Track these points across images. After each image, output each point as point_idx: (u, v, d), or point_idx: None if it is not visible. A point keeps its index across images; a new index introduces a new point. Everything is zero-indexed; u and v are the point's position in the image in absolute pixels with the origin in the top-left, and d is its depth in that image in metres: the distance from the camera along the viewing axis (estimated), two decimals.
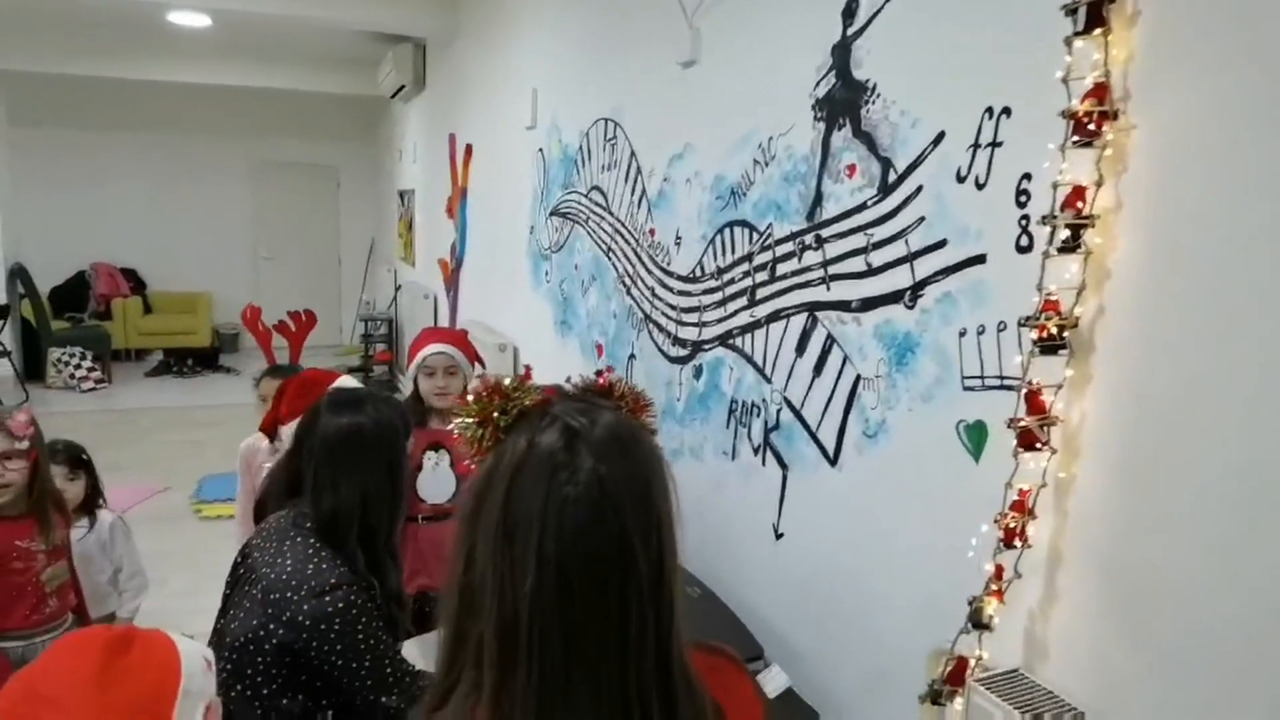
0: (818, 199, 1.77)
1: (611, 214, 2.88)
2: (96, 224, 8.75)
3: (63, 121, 8.50)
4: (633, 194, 2.70)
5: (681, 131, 2.36)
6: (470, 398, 0.81)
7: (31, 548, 2.02)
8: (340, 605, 1.52)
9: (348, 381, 2.17)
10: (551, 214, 3.51)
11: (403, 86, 6.58)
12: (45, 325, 7.53)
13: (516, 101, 3.92)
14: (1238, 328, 1.01)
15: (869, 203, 1.61)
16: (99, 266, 8.72)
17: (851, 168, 1.66)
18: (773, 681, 1.80)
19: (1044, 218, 1.16)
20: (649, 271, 2.59)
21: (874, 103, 1.59)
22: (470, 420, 0.78)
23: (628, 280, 2.75)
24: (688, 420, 2.36)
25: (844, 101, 1.68)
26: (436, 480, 2.46)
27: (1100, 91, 1.09)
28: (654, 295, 2.55)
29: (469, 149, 5.00)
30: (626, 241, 2.75)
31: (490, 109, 4.52)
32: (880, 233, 1.59)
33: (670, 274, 2.44)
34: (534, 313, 3.76)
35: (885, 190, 1.57)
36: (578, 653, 0.71)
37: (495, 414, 0.77)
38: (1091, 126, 1.09)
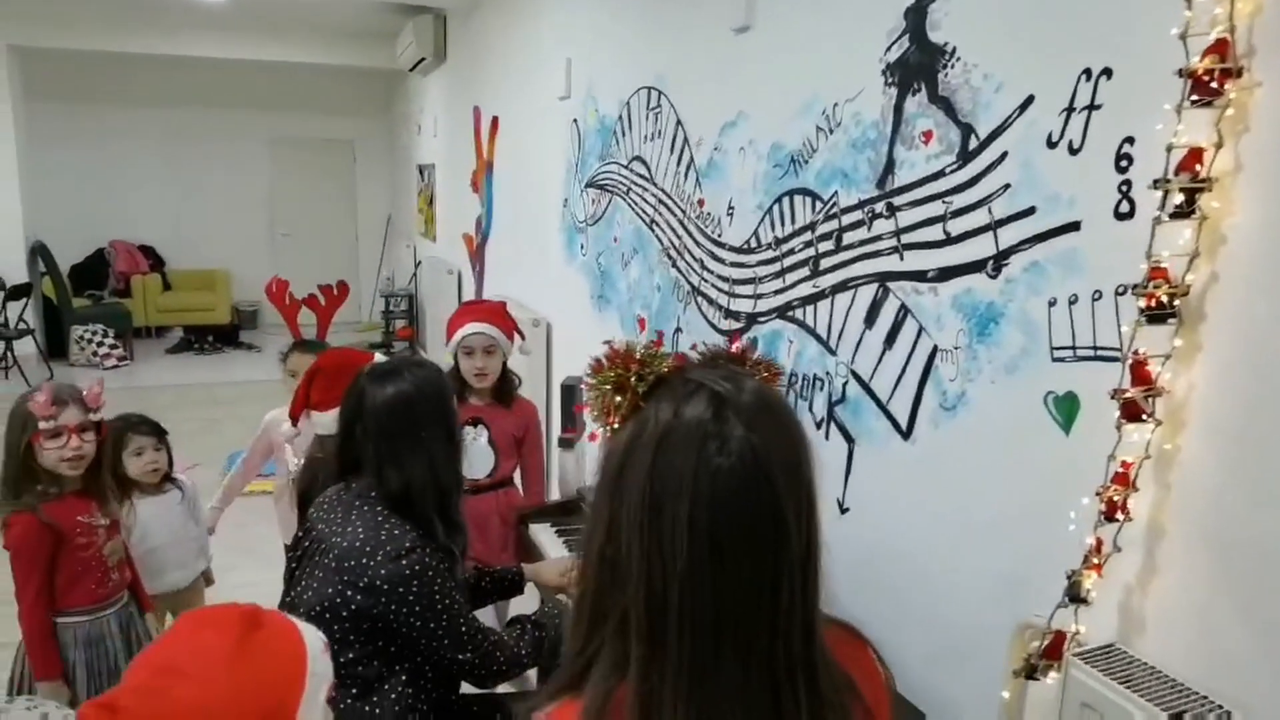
0: (889, 166, 1.73)
1: (655, 185, 2.84)
2: (114, 201, 8.74)
3: (79, 98, 8.47)
4: (679, 164, 2.66)
5: (734, 99, 2.31)
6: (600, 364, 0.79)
7: (93, 523, 2.03)
8: (417, 567, 1.53)
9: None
10: (588, 186, 3.47)
11: (422, 59, 6.50)
12: (67, 303, 7.55)
13: (547, 72, 3.87)
14: None
15: (947, 170, 1.57)
16: (117, 244, 8.72)
17: (928, 134, 1.62)
18: None
19: (1156, 181, 1.12)
20: (697, 243, 2.55)
21: (952, 66, 1.55)
22: (606, 386, 0.76)
23: (673, 252, 2.71)
24: None
25: (919, 66, 1.63)
26: (476, 455, 2.46)
27: (1222, 47, 1.05)
28: (703, 267, 2.52)
29: (495, 122, 4.95)
30: (672, 213, 2.71)
31: (518, 80, 4.46)
32: (959, 201, 1.55)
33: (721, 245, 2.41)
34: (568, 287, 3.72)
35: (965, 157, 1.53)
36: (729, 625, 0.70)
37: (633, 380, 0.75)
38: (1213, 85, 1.05)
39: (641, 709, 0.69)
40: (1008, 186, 1.45)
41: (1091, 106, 1.29)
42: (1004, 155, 1.45)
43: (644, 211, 2.94)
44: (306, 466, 2.15)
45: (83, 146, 8.52)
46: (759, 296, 2.23)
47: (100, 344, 7.45)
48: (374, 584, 1.51)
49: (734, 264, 2.35)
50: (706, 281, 2.50)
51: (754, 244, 2.24)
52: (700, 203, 2.53)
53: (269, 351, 8.55)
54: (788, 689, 0.71)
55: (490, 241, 5.34)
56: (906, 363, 1.71)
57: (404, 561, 1.52)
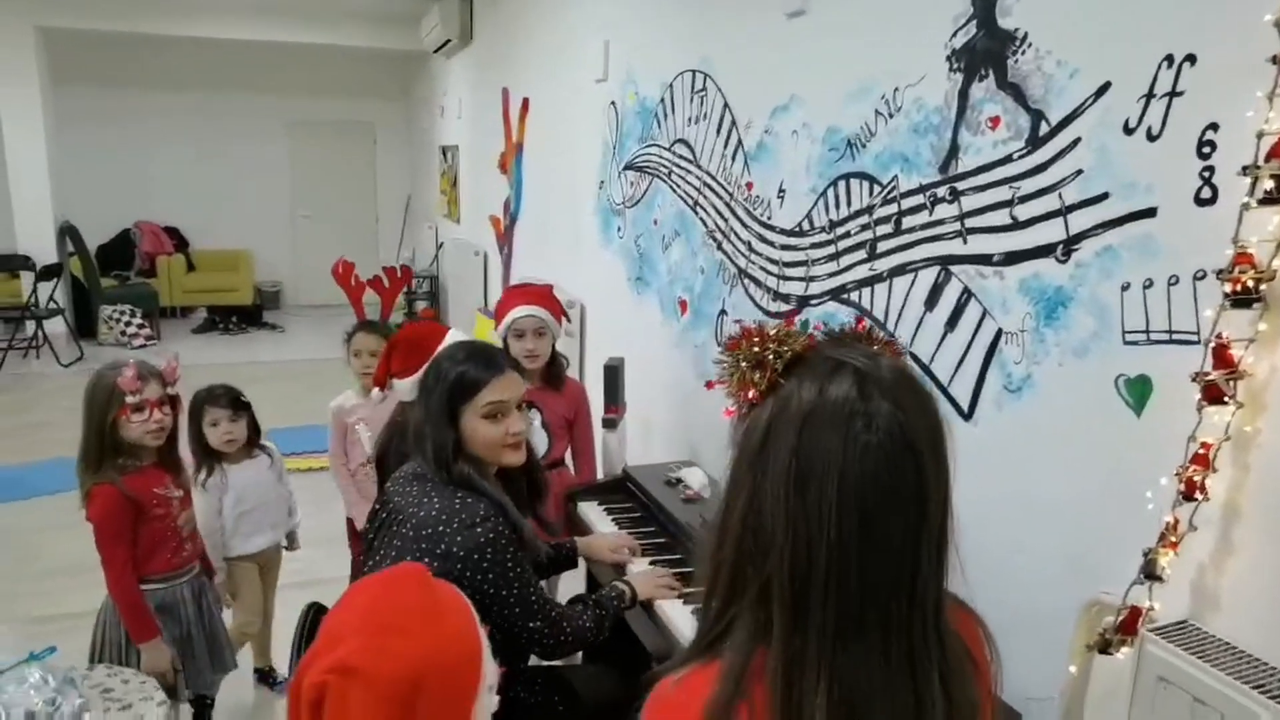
0: (953, 151, 1.74)
1: (700, 167, 2.86)
2: (139, 182, 8.80)
3: (105, 80, 8.52)
4: (725, 147, 2.68)
5: (786, 83, 2.32)
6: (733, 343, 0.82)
7: (168, 494, 2.09)
8: (491, 535, 1.57)
9: (457, 335, 2.20)
10: (626, 168, 3.49)
11: (448, 41, 6.51)
12: (95, 283, 7.62)
13: (583, 54, 3.88)
14: None
15: (1015, 155, 1.59)
16: (143, 225, 8.78)
17: (995, 120, 1.64)
18: None
19: (1245, 168, 1.14)
20: (745, 225, 2.58)
21: (1023, 53, 1.56)
22: (744, 363, 0.78)
23: (719, 235, 2.73)
24: None
25: (986, 52, 1.65)
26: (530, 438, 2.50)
27: None
28: (750, 249, 2.54)
29: (525, 103, 4.95)
30: (718, 195, 2.73)
31: (551, 62, 4.47)
32: (1028, 186, 1.57)
33: (771, 228, 2.43)
34: (604, 270, 3.75)
35: (1035, 143, 1.55)
36: (871, 594, 0.73)
37: (770, 356, 0.78)
38: None
39: (784, 673, 0.73)
40: (1080, 172, 1.46)
41: (1173, 93, 1.30)
42: (1076, 141, 1.47)
43: (687, 194, 2.96)
44: (387, 429, 2.21)
45: (108, 128, 8.57)
46: (811, 279, 2.26)
47: (128, 324, 7.53)
48: (450, 551, 1.55)
49: (784, 246, 2.37)
50: (754, 264, 2.53)
51: (806, 227, 2.26)
52: (749, 186, 2.55)
53: (293, 331, 8.64)
54: (923, 655, 0.75)
55: (519, 224, 5.36)
56: (969, 345, 1.74)
57: (478, 530, 1.57)
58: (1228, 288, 1.17)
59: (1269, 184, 1.12)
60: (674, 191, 3.06)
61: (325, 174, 9.68)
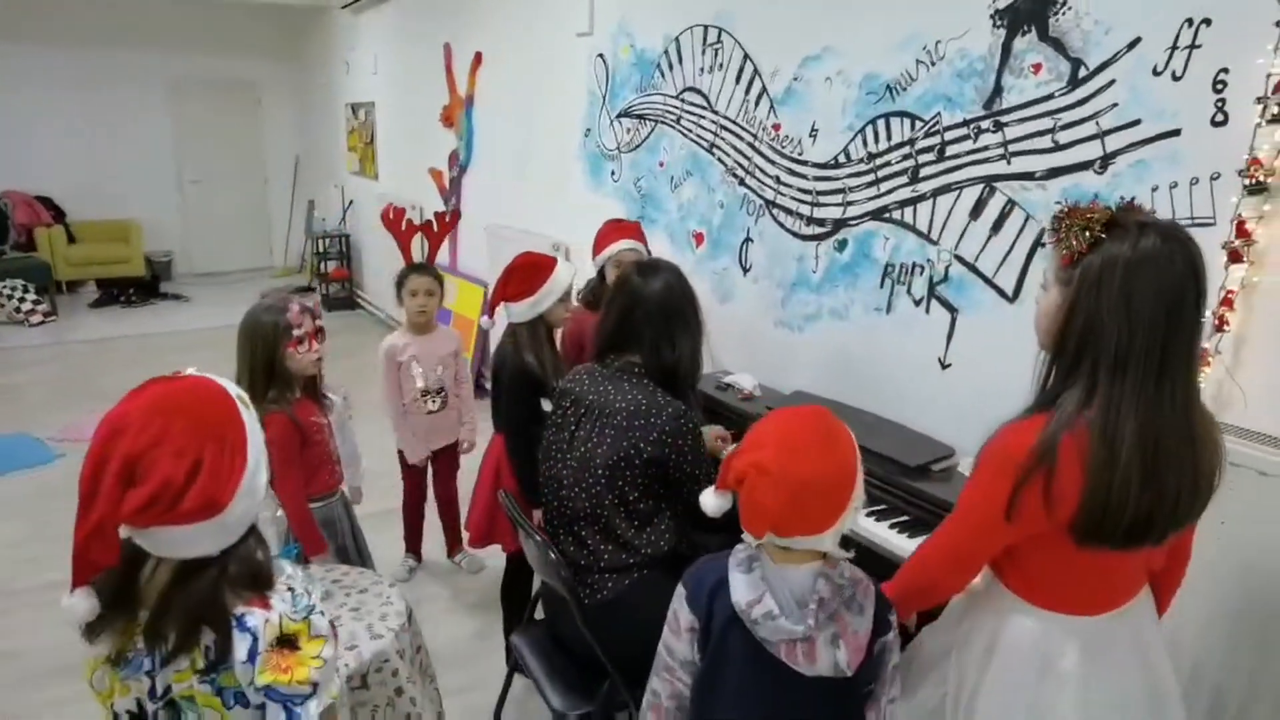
0: (996, 91, 2.21)
1: (715, 113, 3.23)
2: (5, 149, 8.15)
3: None
4: (747, 94, 3.06)
5: (816, 35, 2.73)
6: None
7: (321, 421, 2.30)
8: (690, 425, 1.94)
9: (566, 265, 2.50)
10: (621, 116, 3.80)
11: None
12: None
13: (561, 8, 4.12)
14: None
15: (1056, 94, 2.08)
16: (12, 194, 8.16)
17: (1037, 66, 2.12)
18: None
19: (1259, 98, 1.66)
20: (771, 162, 2.98)
21: (1064, 14, 2.04)
22: (1076, 226, 1.20)
23: (740, 172, 3.13)
24: (827, 288, 2.82)
25: (1030, 12, 2.11)
26: None
27: None
28: (779, 183, 2.96)
29: (479, 57, 5.11)
30: (739, 137, 3.12)
31: (515, 17, 4.65)
32: (1068, 117, 2.06)
33: (803, 163, 2.85)
34: (596, 211, 4.05)
35: (1075, 83, 2.04)
36: (1167, 364, 1.18)
37: (1095, 220, 1.19)
38: None
39: (1105, 409, 1.17)
40: (1115, 105, 1.96)
41: (1193, 46, 1.81)
42: (1112, 82, 1.96)
43: (700, 138, 3.33)
44: (499, 352, 2.48)
45: None
46: (849, 204, 2.70)
47: (23, 300, 7.10)
48: (661, 436, 1.91)
49: (818, 178, 2.80)
50: (784, 195, 2.95)
51: (842, 159, 2.70)
52: (775, 127, 2.95)
53: (200, 300, 8.34)
54: (1196, 409, 1.22)
55: (470, 174, 5.53)
56: (1013, 245, 2.24)
57: (681, 421, 1.93)
58: (1246, 182, 1.70)
59: (1275, 110, 1.65)
60: (684, 136, 3.42)
61: (211, 137, 9.26)
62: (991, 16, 2.21)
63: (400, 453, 3.31)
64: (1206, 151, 1.81)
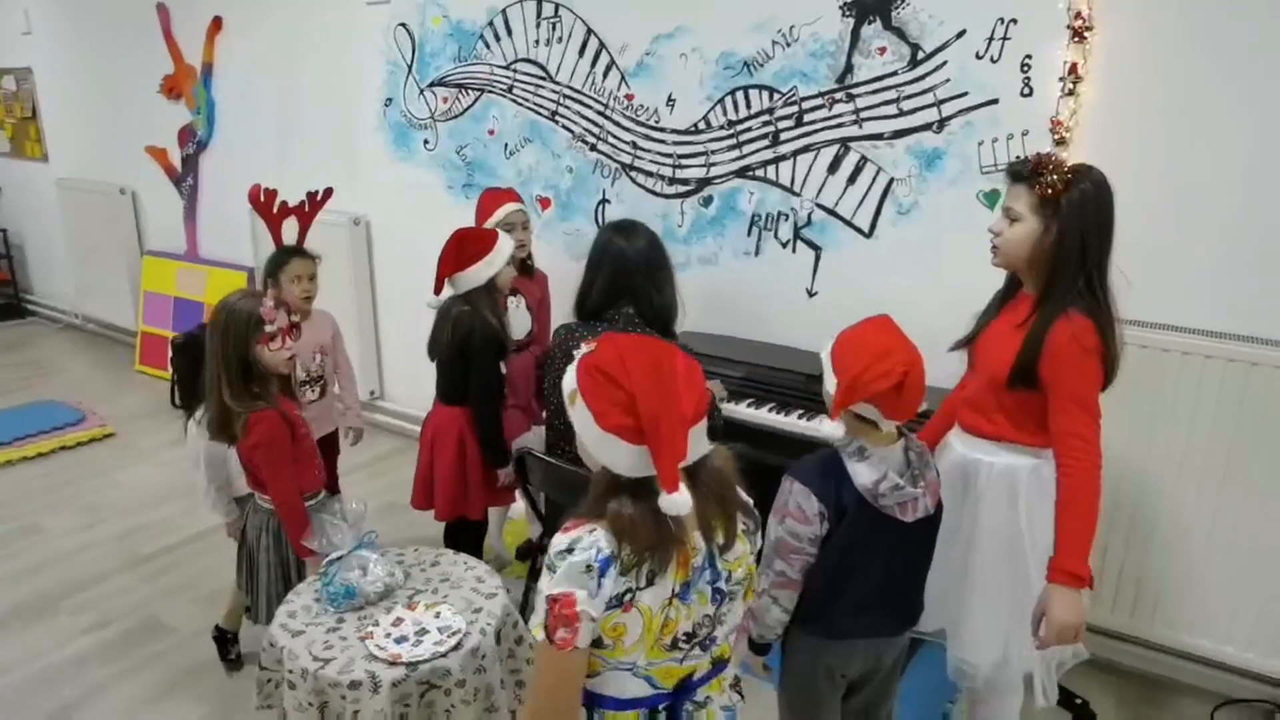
0: (848, 68, 2.76)
1: (555, 82, 3.45)
2: None
3: None
4: (592, 66, 3.33)
5: (668, 15, 3.08)
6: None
7: (305, 416, 2.25)
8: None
9: (507, 240, 2.62)
10: (436, 85, 3.83)
11: None
12: None
13: None
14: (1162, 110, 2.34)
15: (899, 71, 2.67)
16: None
17: (882, 49, 2.69)
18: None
19: (1061, 78, 2.37)
20: (625, 130, 3.30)
21: (904, 8, 2.62)
22: (1054, 176, 1.72)
23: (591, 138, 3.41)
24: (695, 240, 3.24)
25: (875, 5, 2.67)
26: (517, 321, 2.99)
27: (1081, 14, 2.30)
28: (635, 148, 3.30)
29: (218, 22, 4.67)
30: (587, 105, 3.39)
31: None
32: (910, 90, 2.67)
33: (661, 130, 3.21)
34: (404, 181, 4.06)
35: (914, 63, 2.64)
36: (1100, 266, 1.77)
37: (1067, 172, 1.73)
38: (1082, 31, 2.30)
39: (1109, 302, 1.73)
40: (947, 80, 2.60)
41: (1005, 39, 2.48)
42: (945, 63, 2.59)
43: (541, 106, 3.53)
44: (458, 322, 2.48)
45: None
46: (712, 165, 3.13)
47: None
48: None
49: (678, 143, 3.19)
50: (642, 159, 3.29)
51: (703, 126, 3.11)
52: (628, 97, 3.27)
53: None
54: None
55: (211, 149, 5.05)
56: (867, 191, 2.83)
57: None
58: (1055, 136, 2.41)
59: (1069, 86, 2.36)
60: (519, 104, 3.59)
61: None
62: (841, 7, 2.74)
63: None
64: (1018, 115, 2.51)
